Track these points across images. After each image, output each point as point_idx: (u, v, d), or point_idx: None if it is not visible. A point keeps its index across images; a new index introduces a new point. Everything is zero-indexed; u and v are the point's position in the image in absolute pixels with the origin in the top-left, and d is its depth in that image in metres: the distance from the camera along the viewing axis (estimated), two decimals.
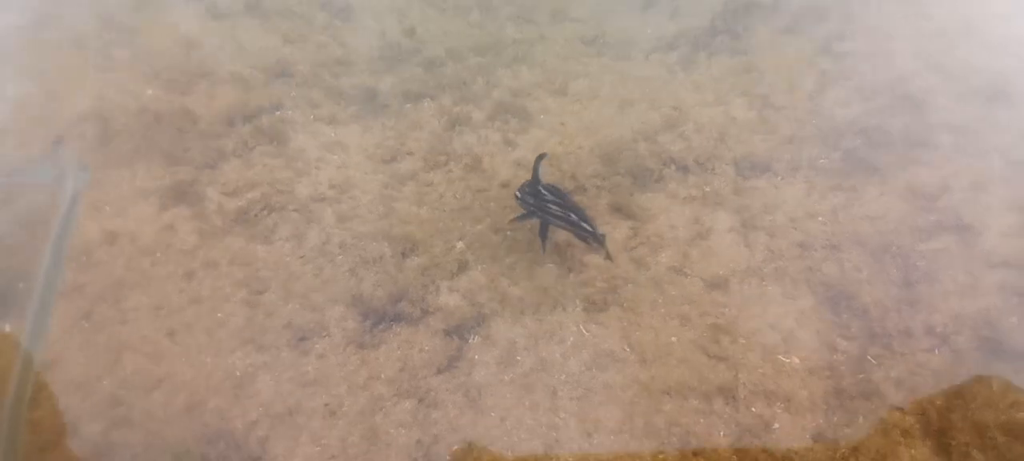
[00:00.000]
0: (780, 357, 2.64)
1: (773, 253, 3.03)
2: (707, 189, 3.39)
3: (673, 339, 2.81)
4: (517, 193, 3.10)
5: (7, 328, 2.77)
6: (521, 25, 5.00)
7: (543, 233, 3.06)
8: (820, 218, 3.13)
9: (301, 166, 3.61)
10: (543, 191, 3.03)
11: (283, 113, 3.97)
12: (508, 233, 3.26)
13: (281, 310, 2.96)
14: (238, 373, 2.75)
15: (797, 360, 2.63)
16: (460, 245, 3.17)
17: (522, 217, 3.10)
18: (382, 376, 2.73)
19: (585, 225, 2.90)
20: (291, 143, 3.78)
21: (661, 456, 2.41)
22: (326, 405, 2.65)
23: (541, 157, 3.17)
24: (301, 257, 3.15)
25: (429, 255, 3.13)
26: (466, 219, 3.33)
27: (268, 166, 3.60)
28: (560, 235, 3.19)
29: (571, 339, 2.80)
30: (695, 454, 2.38)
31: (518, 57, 4.53)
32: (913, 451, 2.31)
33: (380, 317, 2.92)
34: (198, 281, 3.05)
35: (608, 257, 3.07)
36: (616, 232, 3.24)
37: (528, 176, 3.19)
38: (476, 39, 4.76)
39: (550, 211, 2.98)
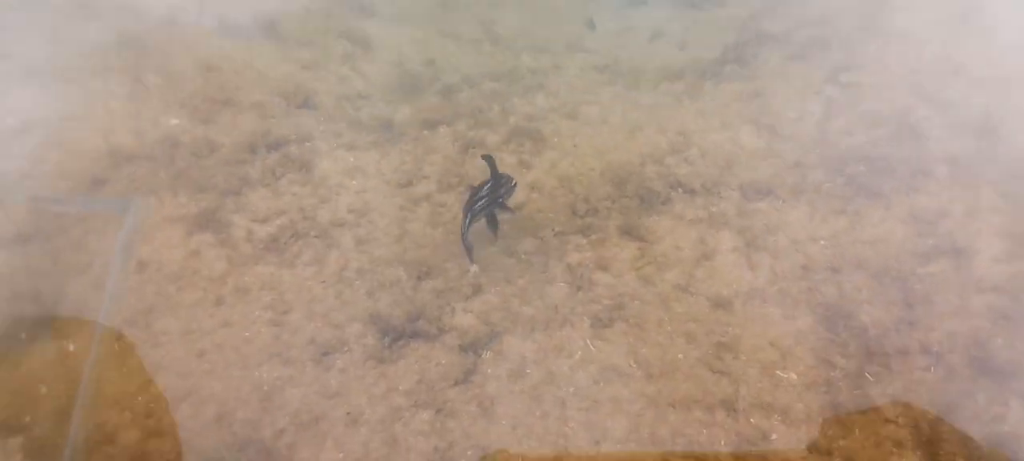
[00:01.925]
0: (779, 372, 2.98)
1: (776, 274, 3.39)
2: (713, 210, 3.78)
3: (680, 356, 3.17)
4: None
5: (71, 348, 3.24)
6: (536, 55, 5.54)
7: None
8: (822, 241, 3.50)
9: (324, 192, 4.08)
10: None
11: (313, 144, 4.48)
12: (522, 256, 3.68)
13: (305, 328, 3.38)
14: (266, 387, 3.17)
15: (795, 376, 2.96)
16: (474, 269, 3.58)
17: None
18: (400, 388, 3.12)
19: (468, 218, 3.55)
20: (315, 170, 4.26)
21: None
22: (348, 414, 3.04)
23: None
24: (322, 282, 3.58)
25: (444, 278, 3.55)
26: (480, 241, 3.75)
27: (296, 195, 4.07)
28: (572, 255, 3.62)
29: (579, 354, 3.18)
30: (697, 459, 2.73)
31: (532, 86, 5.03)
32: None
33: (399, 334, 3.32)
34: (228, 305, 3.48)
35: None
36: (624, 252, 3.63)
37: (543, 201, 3.64)
38: (492, 67, 5.29)
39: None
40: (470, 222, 3.59)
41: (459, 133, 4.56)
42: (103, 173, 4.08)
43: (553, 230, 3.79)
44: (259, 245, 3.77)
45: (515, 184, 3.76)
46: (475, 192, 3.66)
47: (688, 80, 4.92)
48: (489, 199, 3.62)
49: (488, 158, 3.72)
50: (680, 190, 3.94)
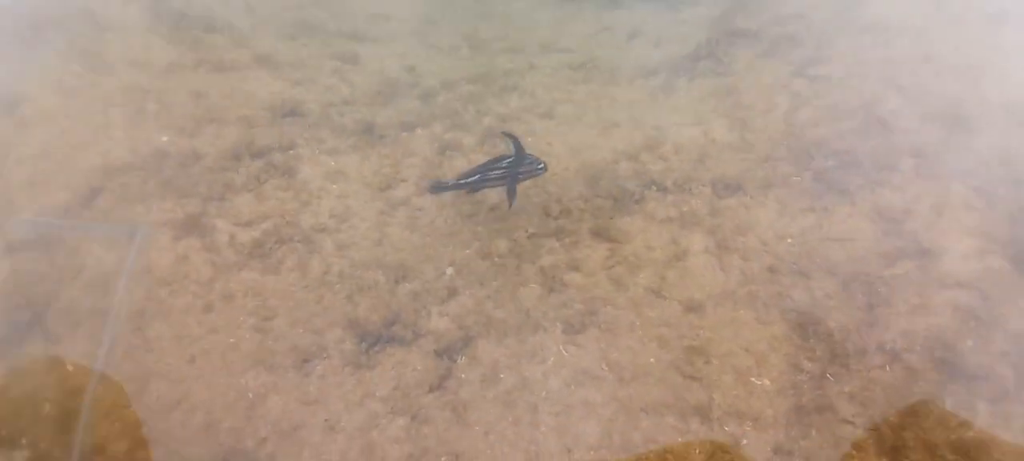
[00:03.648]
0: (753, 379, 2.88)
1: (746, 276, 3.25)
2: (685, 209, 3.63)
3: (652, 360, 3.07)
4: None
5: (72, 358, 3.20)
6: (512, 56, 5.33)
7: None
8: (789, 240, 3.35)
9: (305, 197, 3.96)
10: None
11: (296, 151, 4.34)
12: (496, 259, 3.56)
13: (288, 335, 3.31)
14: (250, 394, 3.12)
15: (768, 382, 2.86)
16: (450, 271, 3.47)
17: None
18: (377, 394, 3.04)
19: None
20: (298, 175, 4.14)
21: None
22: (326, 421, 2.99)
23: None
24: (305, 287, 3.50)
25: (421, 281, 3.44)
26: (455, 244, 3.62)
27: (279, 199, 3.96)
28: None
29: (551, 358, 3.09)
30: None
31: (508, 87, 4.83)
32: None
33: (375, 339, 3.24)
34: (216, 311, 3.42)
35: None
36: (595, 253, 3.51)
37: (517, 201, 3.50)
38: (470, 70, 5.08)
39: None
40: (474, 183, 3.43)
41: (436, 135, 4.41)
42: (99, 183, 3.98)
43: (527, 232, 3.65)
44: (243, 251, 3.68)
45: (542, 166, 3.47)
46: (494, 161, 3.46)
47: (663, 77, 4.71)
48: (506, 172, 3.43)
49: (511, 135, 3.51)
50: (653, 188, 3.77)
